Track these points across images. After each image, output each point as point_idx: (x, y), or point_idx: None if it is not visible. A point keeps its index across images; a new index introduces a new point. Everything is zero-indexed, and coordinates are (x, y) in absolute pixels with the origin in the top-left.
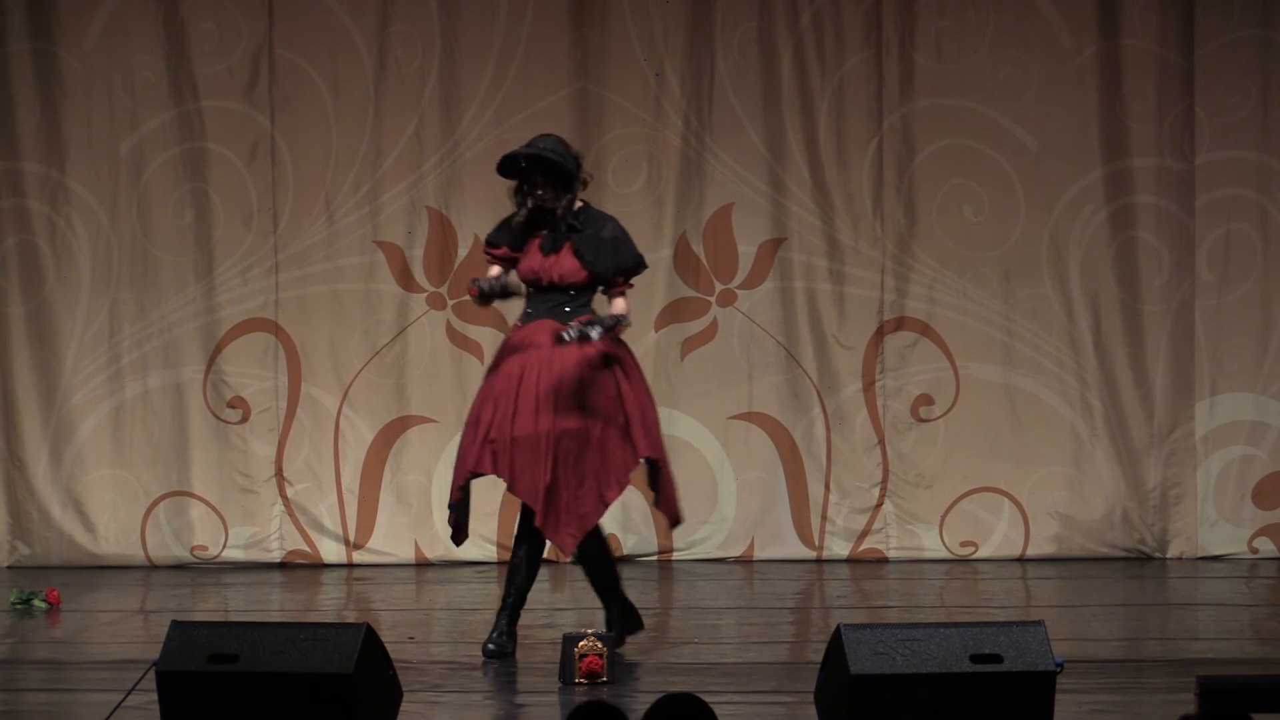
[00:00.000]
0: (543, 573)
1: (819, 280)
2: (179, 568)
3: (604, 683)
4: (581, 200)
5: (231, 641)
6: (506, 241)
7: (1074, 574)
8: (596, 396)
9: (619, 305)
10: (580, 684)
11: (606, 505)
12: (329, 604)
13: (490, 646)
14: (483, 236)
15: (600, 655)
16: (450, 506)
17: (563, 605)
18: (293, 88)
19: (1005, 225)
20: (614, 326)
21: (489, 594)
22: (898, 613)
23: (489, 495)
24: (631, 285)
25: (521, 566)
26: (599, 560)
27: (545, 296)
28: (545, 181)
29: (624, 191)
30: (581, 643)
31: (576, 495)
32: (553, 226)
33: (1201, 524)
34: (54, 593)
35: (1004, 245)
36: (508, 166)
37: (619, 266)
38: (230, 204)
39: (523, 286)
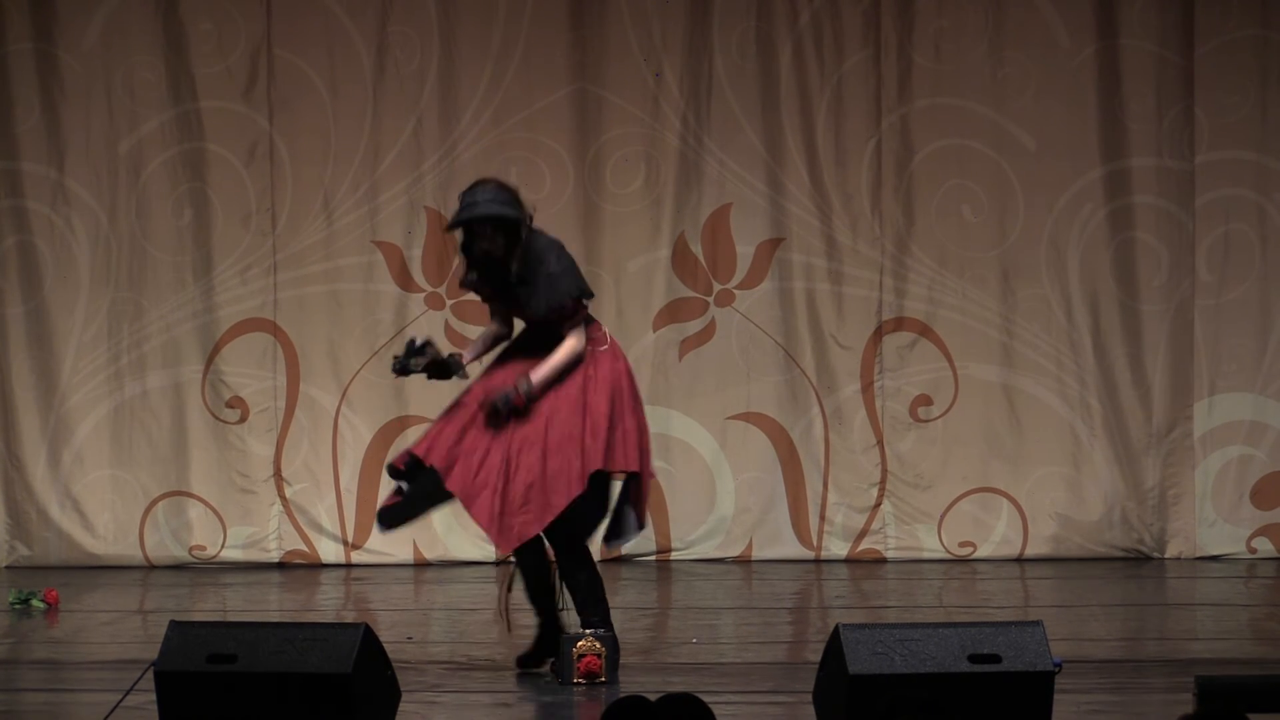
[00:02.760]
0: None
1: (818, 280)
2: (177, 568)
3: (602, 683)
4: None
5: (230, 641)
6: (483, 287)
7: (1072, 574)
8: (558, 403)
9: (564, 346)
10: (579, 684)
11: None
12: (327, 604)
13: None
14: None
15: (599, 655)
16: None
17: (561, 606)
18: (291, 88)
19: (1004, 225)
20: (510, 398)
21: (487, 594)
22: (896, 613)
23: None
24: (582, 309)
25: (531, 578)
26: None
27: (526, 330)
28: (494, 233)
29: (622, 191)
30: (580, 643)
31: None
32: (506, 274)
33: (1200, 524)
34: (52, 593)
35: (1003, 245)
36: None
37: (549, 306)
38: (229, 204)
39: (454, 368)
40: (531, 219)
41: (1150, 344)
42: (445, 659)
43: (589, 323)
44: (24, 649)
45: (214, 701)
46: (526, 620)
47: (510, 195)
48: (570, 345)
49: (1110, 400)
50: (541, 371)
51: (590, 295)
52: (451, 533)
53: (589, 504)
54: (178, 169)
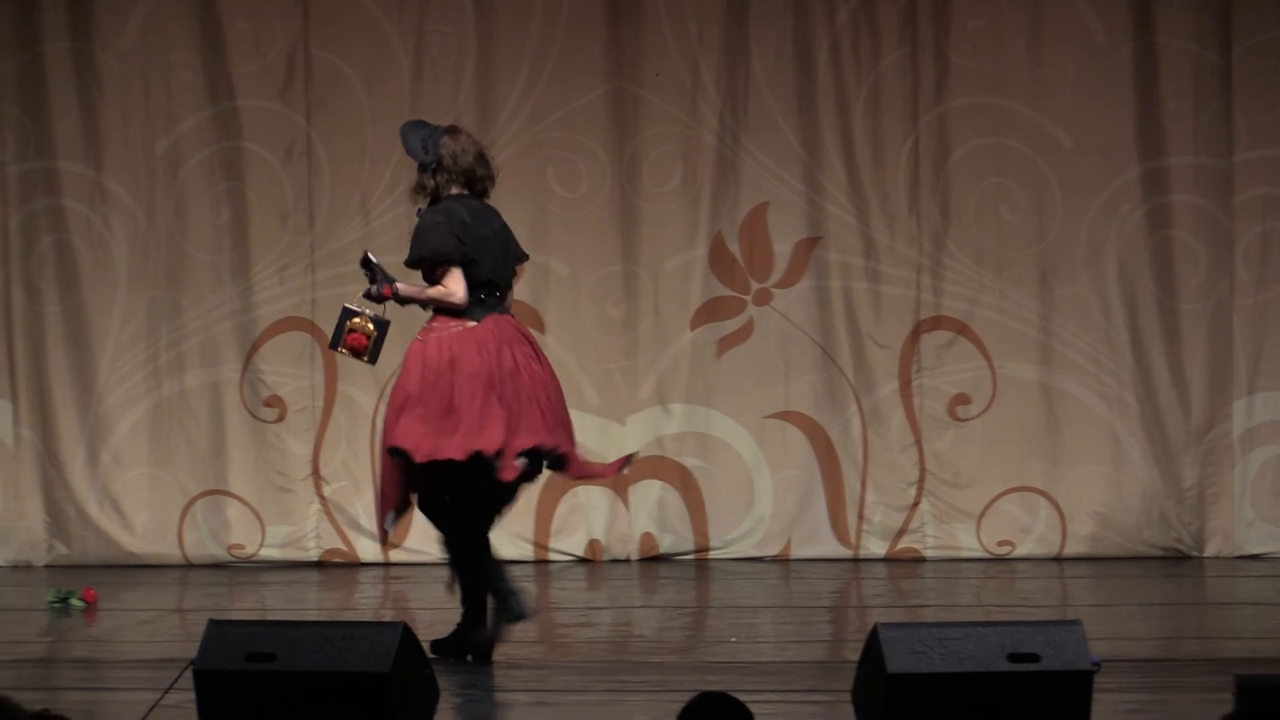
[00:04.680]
0: (579, 570)
1: (855, 279)
2: (216, 566)
3: (366, 360)
4: (457, 190)
5: (269, 640)
6: None
7: (1111, 573)
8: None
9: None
10: (342, 353)
11: None
12: (366, 603)
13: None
14: (518, 235)
15: (367, 336)
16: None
17: (600, 604)
18: (328, 87)
19: (1041, 224)
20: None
21: (525, 592)
22: (935, 612)
23: (526, 492)
24: (444, 273)
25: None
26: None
27: None
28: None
29: (659, 190)
30: (355, 319)
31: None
32: None
33: (1239, 523)
34: (91, 591)
35: (1040, 244)
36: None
37: (408, 257)
38: (266, 203)
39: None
40: (436, 164)
41: (1188, 343)
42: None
43: (489, 308)
44: (62, 648)
45: (253, 700)
46: (564, 620)
47: (433, 142)
48: (434, 290)
49: (1148, 399)
50: (410, 289)
51: (432, 260)
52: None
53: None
54: (215, 168)
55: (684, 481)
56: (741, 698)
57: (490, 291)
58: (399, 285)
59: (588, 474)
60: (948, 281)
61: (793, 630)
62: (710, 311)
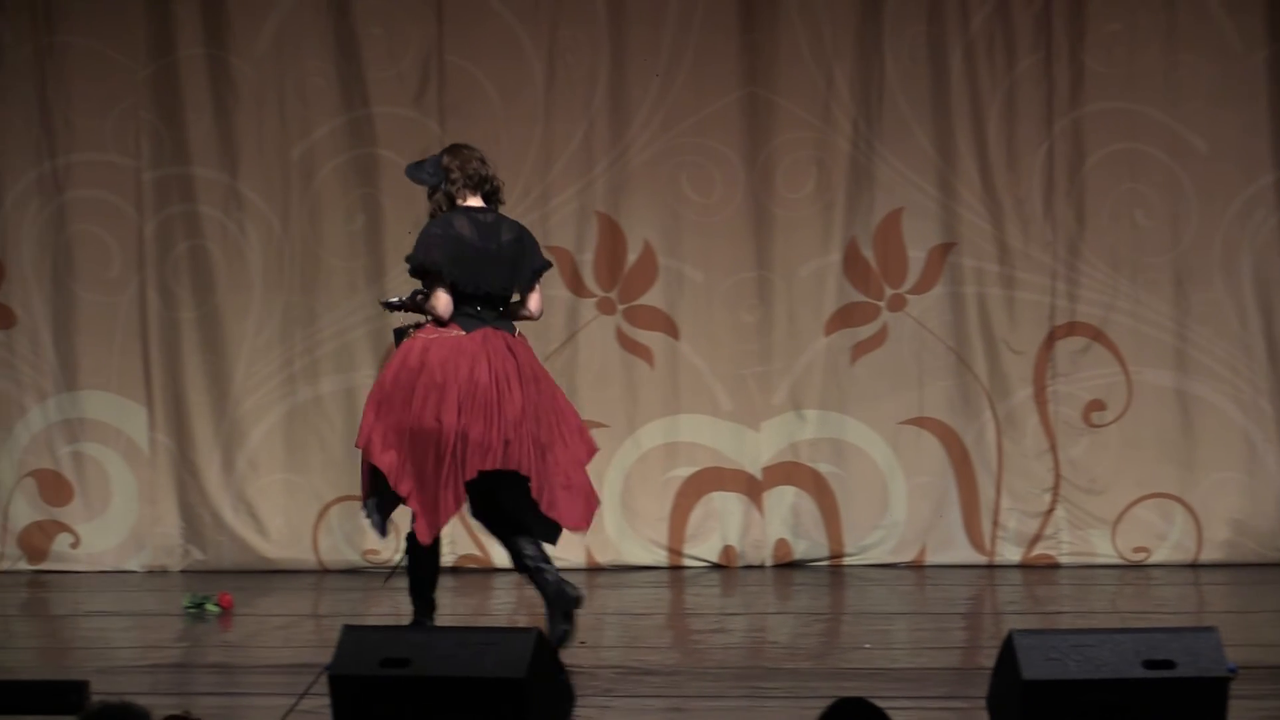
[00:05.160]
0: (713, 577)
1: (989, 285)
2: (351, 572)
3: None
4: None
5: (403, 646)
6: None
7: (1247, 579)
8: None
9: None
10: None
11: None
12: (500, 609)
13: None
14: (652, 241)
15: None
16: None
17: (734, 611)
18: (462, 93)
19: (1176, 230)
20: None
21: (660, 598)
22: (1070, 618)
23: (660, 499)
24: (428, 284)
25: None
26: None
27: None
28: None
29: (793, 196)
30: (408, 334)
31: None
32: None
33: None
34: (226, 597)
35: (1175, 250)
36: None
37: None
38: (400, 209)
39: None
40: (438, 187)
41: None
42: (618, 664)
43: (485, 321)
44: (198, 653)
45: (387, 706)
46: (699, 625)
47: (435, 164)
48: (428, 304)
49: None
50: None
51: (413, 269)
52: (624, 537)
53: None
54: (349, 174)
55: (818, 487)
56: (877, 704)
57: (490, 305)
58: (418, 297)
59: (555, 513)
60: (1083, 287)
61: (928, 637)
62: (844, 317)
